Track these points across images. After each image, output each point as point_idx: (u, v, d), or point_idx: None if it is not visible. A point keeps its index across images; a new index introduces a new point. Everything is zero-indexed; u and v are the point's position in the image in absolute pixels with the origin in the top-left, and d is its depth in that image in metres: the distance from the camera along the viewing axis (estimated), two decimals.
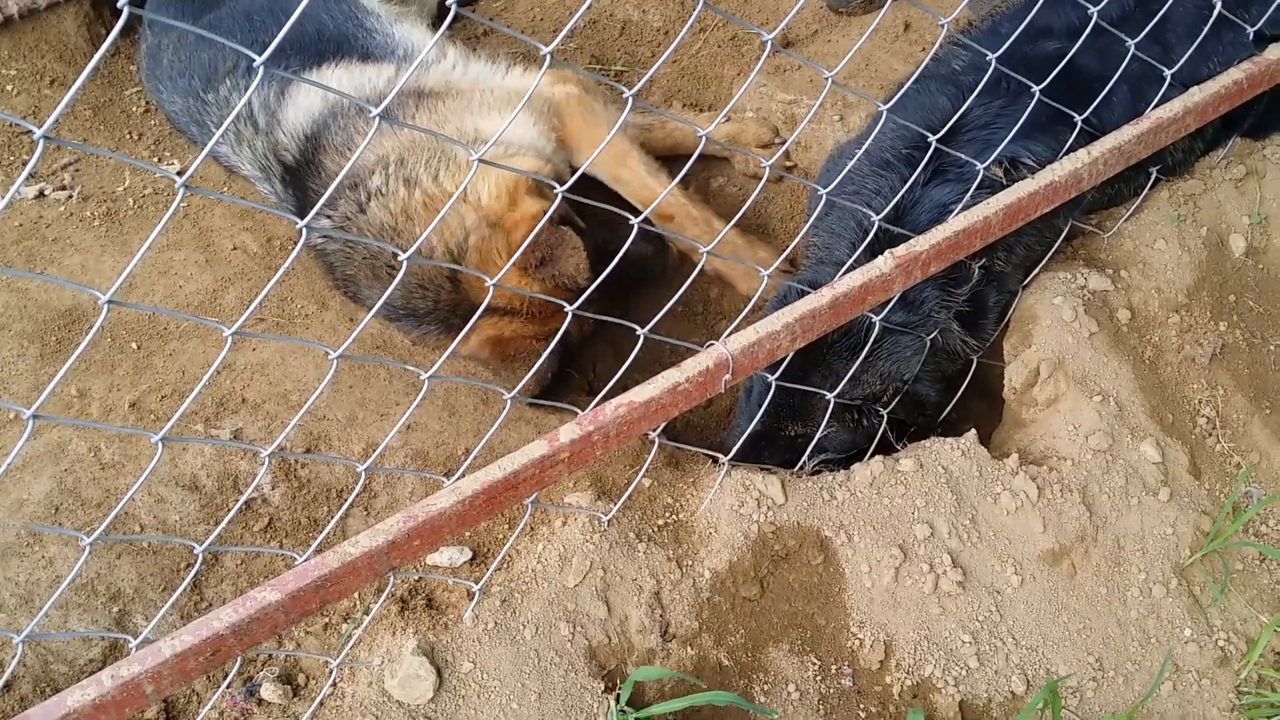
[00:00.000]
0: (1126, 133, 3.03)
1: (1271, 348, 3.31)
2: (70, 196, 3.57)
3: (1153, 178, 3.39)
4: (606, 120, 3.66)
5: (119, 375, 3.00)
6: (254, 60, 1.57)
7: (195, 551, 2.07)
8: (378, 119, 1.76)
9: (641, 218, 2.41)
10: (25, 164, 3.63)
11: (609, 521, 2.71)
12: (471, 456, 2.44)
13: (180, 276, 3.26)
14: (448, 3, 1.72)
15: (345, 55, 3.49)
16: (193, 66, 3.52)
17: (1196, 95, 3.14)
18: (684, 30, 2.19)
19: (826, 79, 2.39)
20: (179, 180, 1.60)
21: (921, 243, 2.75)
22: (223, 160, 3.59)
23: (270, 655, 2.62)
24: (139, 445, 2.82)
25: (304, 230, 1.81)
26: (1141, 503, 2.95)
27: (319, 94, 3.30)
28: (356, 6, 3.75)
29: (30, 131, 3.70)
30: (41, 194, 3.58)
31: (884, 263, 2.70)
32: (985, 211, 2.83)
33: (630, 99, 2.08)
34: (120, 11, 1.37)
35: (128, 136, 3.88)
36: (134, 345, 3.08)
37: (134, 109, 3.97)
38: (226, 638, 2.03)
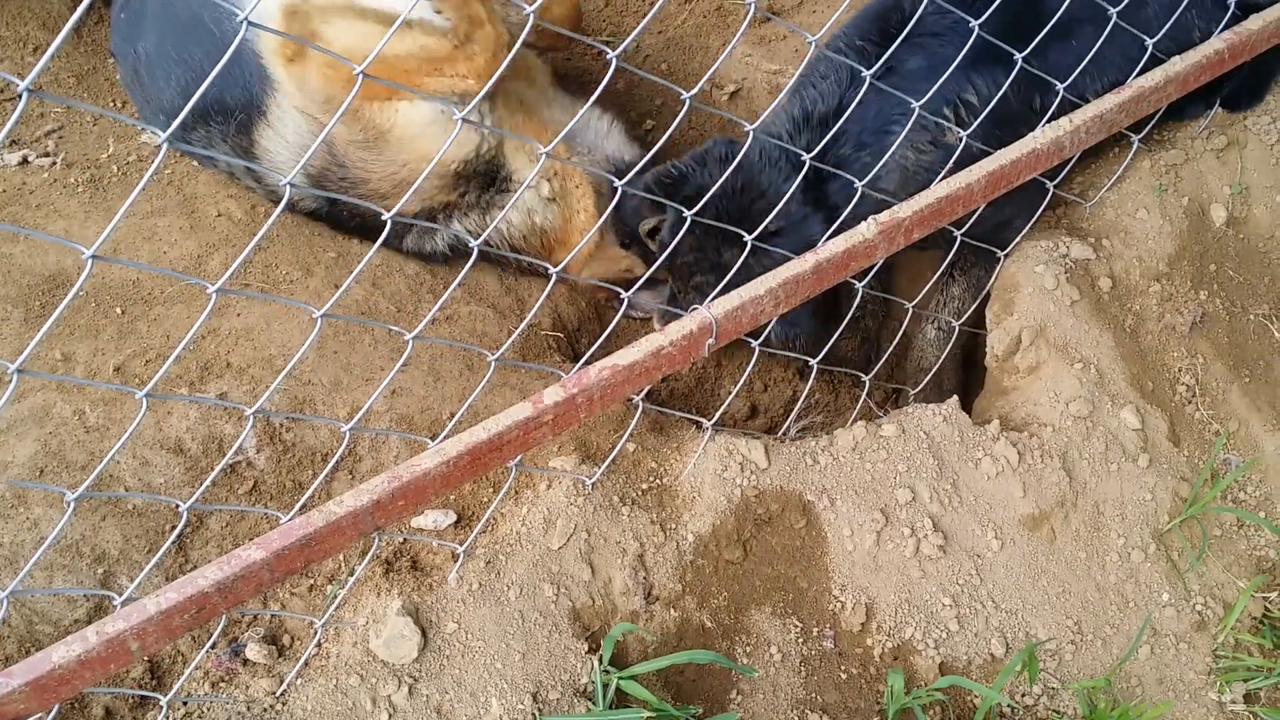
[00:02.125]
0: (1108, 101, 3.04)
1: (1251, 317, 3.33)
2: (54, 163, 3.55)
3: None
4: None
5: (103, 340, 3.00)
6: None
7: (180, 509, 2.08)
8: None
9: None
10: (11, 139, 3.61)
11: (593, 485, 2.72)
12: (455, 419, 2.45)
13: (164, 242, 3.25)
14: None
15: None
16: (161, 105, 3.43)
17: (1178, 65, 3.15)
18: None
19: (810, 43, 2.40)
20: (161, 136, 1.61)
21: (904, 209, 2.77)
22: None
23: (255, 616, 2.63)
24: (124, 409, 2.82)
25: (288, 188, 1.82)
26: (1121, 469, 2.98)
27: (281, 143, 3.25)
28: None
29: (14, 90, 3.71)
30: (25, 160, 3.56)
31: (867, 229, 2.72)
32: (967, 179, 2.84)
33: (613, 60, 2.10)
34: None
35: (112, 104, 3.85)
36: (118, 310, 3.07)
37: (117, 77, 3.94)
38: (211, 595, 2.04)
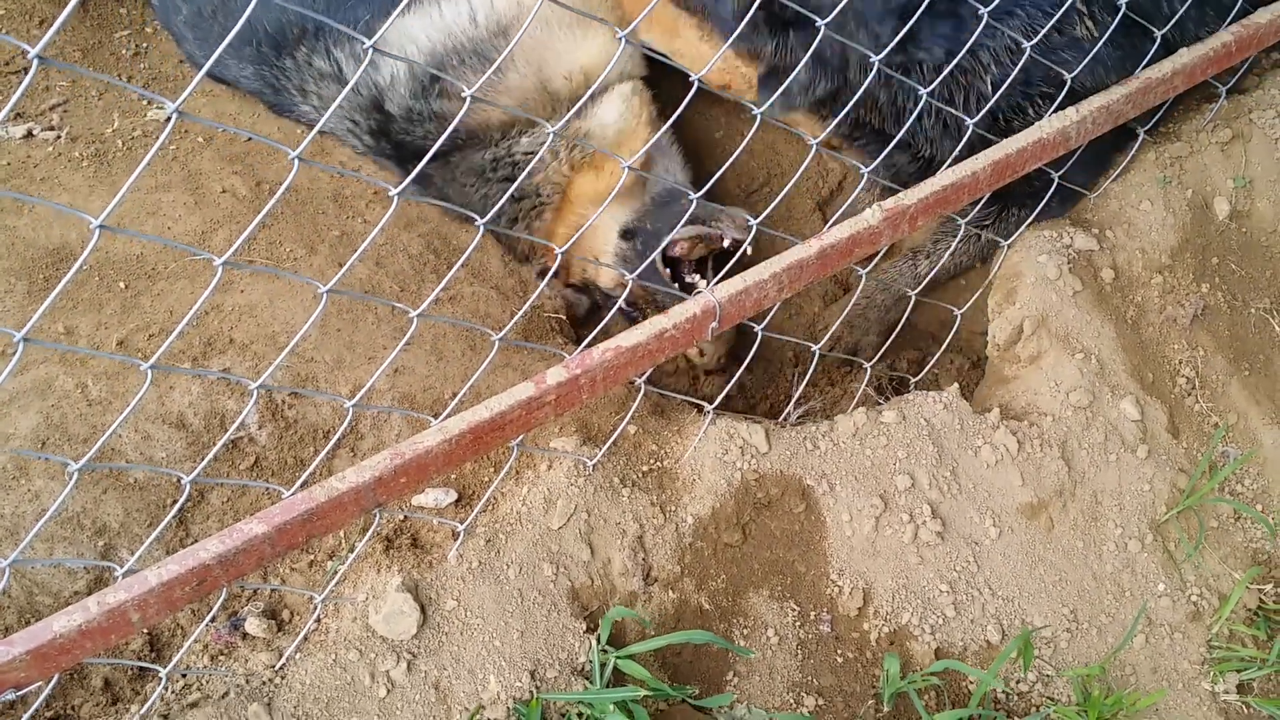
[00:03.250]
0: (1115, 92, 3.05)
1: (1252, 310, 3.34)
2: (59, 137, 3.55)
3: None
4: None
5: (106, 314, 3.00)
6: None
7: (182, 482, 2.09)
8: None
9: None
10: (16, 112, 3.61)
11: (594, 466, 2.73)
12: (458, 399, 2.46)
13: (169, 218, 3.25)
14: None
15: None
16: (255, 33, 3.47)
17: (1185, 56, 3.16)
18: None
19: (819, 27, 2.40)
20: (170, 106, 1.61)
21: (909, 196, 2.78)
22: (303, 119, 3.63)
23: (255, 590, 2.64)
24: (126, 382, 2.82)
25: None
26: (1120, 459, 2.99)
27: (412, 46, 3.33)
28: None
29: (22, 62, 3.71)
30: (30, 134, 3.56)
31: (871, 215, 2.73)
32: (973, 167, 2.86)
33: None
34: None
35: (117, 79, 3.85)
36: (122, 285, 3.07)
37: (123, 52, 3.94)
38: (213, 568, 2.05)
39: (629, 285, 2.88)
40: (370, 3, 3.32)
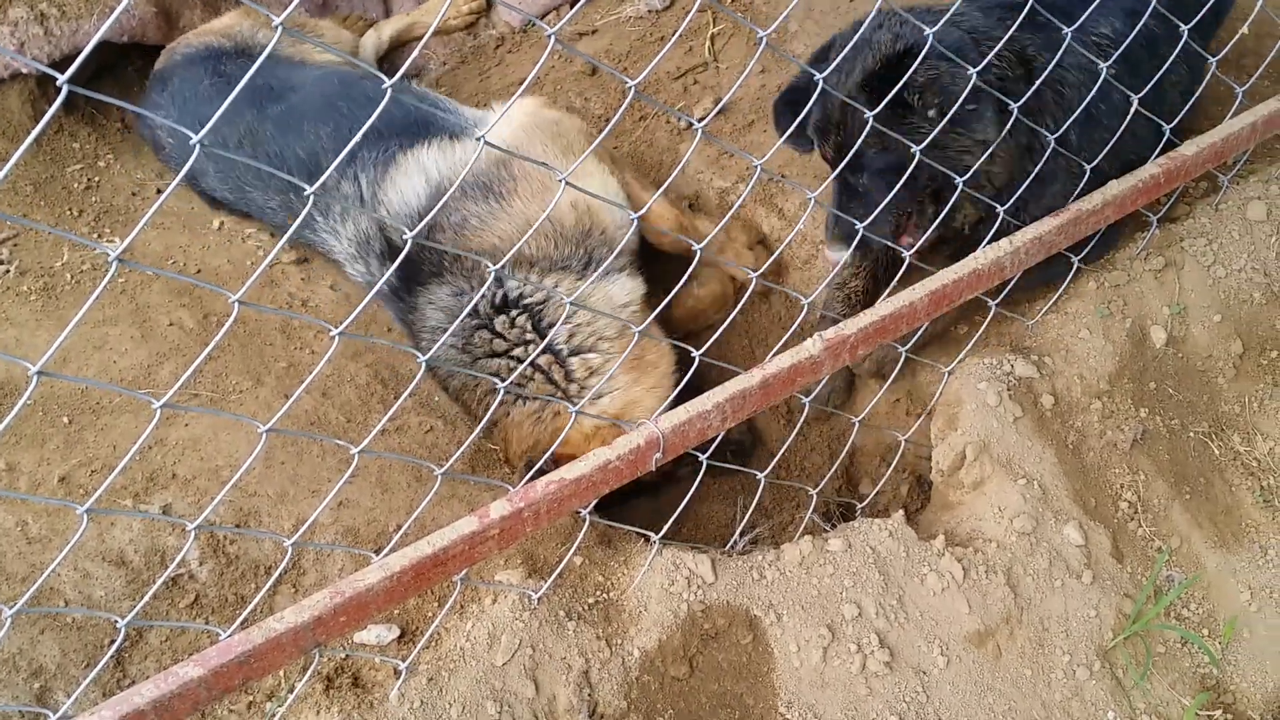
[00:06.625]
0: (1047, 224, 3.13)
1: (1191, 434, 3.39)
2: (7, 271, 3.56)
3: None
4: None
5: (49, 449, 2.98)
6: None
7: (118, 625, 2.05)
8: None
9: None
10: None
11: (539, 599, 2.71)
12: (401, 532, 2.45)
13: (115, 351, 3.25)
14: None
15: (434, 135, 3.71)
16: (288, 163, 3.69)
17: (1115, 188, 3.25)
18: (617, 115, 2.25)
19: (755, 167, 2.47)
20: (112, 254, 1.63)
21: (849, 326, 2.82)
22: (314, 244, 3.79)
23: None
24: (66, 520, 2.80)
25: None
26: (1065, 585, 3.00)
27: (422, 175, 3.56)
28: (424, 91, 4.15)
29: None
30: None
31: (812, 345, 2.77)
32: (911, 297, 2.91)
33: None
34: (60, 90, 1.40)
35: (68, 212, 3.88)
36: (65, 420, 3.06)
37: (75, 185, 3.98)
38: (147, 713, 2.01)
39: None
40: (400, 135, 3.62)
